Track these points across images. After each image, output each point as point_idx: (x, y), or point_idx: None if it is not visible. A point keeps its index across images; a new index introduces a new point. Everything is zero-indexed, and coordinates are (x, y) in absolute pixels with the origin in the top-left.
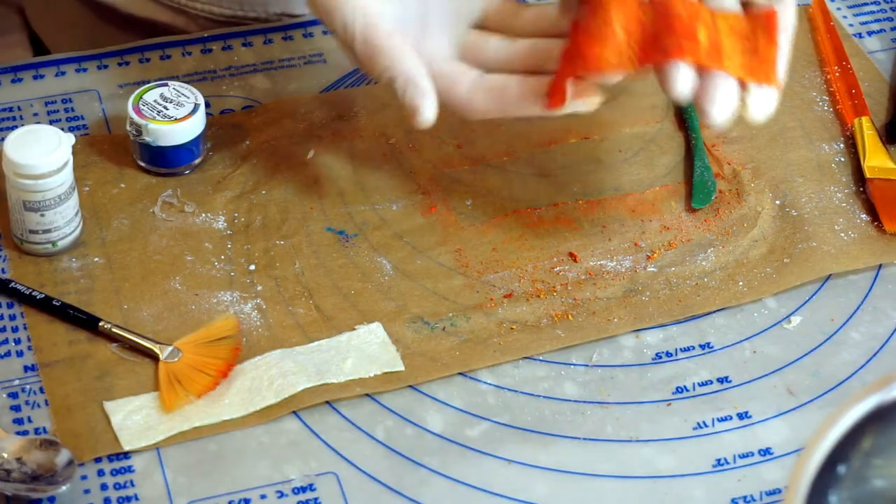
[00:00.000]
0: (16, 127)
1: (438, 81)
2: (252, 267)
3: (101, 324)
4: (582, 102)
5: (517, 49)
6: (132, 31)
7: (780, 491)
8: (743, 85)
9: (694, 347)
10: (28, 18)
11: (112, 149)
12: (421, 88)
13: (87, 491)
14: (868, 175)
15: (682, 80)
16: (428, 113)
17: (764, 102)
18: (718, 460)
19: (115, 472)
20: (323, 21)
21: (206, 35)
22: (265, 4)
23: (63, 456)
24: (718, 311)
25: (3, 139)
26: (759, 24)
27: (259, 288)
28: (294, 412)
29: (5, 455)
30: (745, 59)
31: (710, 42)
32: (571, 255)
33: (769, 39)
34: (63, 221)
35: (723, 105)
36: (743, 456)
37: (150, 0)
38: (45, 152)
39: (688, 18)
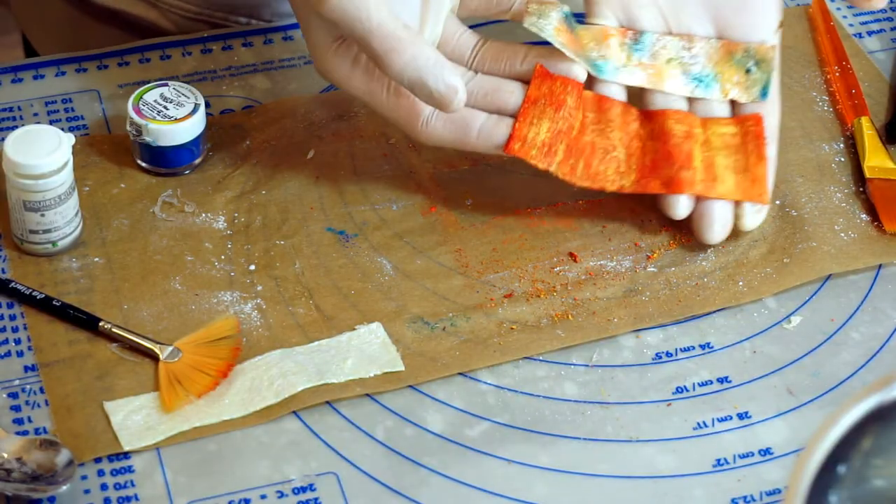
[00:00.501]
0: (16, 127)
1: (402, 99)
2: (252, 267)
3: (101, 324)
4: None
5: (481, 84)
6: (109, 24)
7: (780, 491)
8: (737, 202)
9: (694, 347)
10: (14, 14)
11: (112, 149)
12: (450, 68)
13: (87, 491)
14: (868, 175)
15: (682, 208)
16: (463, 93)
17: (758, 216)
18: (718, 460)
19: (115, 472)
20: (316, 34)
21: (206, 35)
22: (232, 7)
23: (63, 456)
24: (718, 311)
25: (3, 139)
26: (748, 132)
27: (259, 288)
28: (294, 412)
29: (5, 455)
30: (737, 178)
31: (705, 166)
32: (571, 255)
33: (758, 155)
34: (63, 221)
35: (719, 230)
36: (743, 456)
37: None
38: (45, 152)
39: (683, 139)
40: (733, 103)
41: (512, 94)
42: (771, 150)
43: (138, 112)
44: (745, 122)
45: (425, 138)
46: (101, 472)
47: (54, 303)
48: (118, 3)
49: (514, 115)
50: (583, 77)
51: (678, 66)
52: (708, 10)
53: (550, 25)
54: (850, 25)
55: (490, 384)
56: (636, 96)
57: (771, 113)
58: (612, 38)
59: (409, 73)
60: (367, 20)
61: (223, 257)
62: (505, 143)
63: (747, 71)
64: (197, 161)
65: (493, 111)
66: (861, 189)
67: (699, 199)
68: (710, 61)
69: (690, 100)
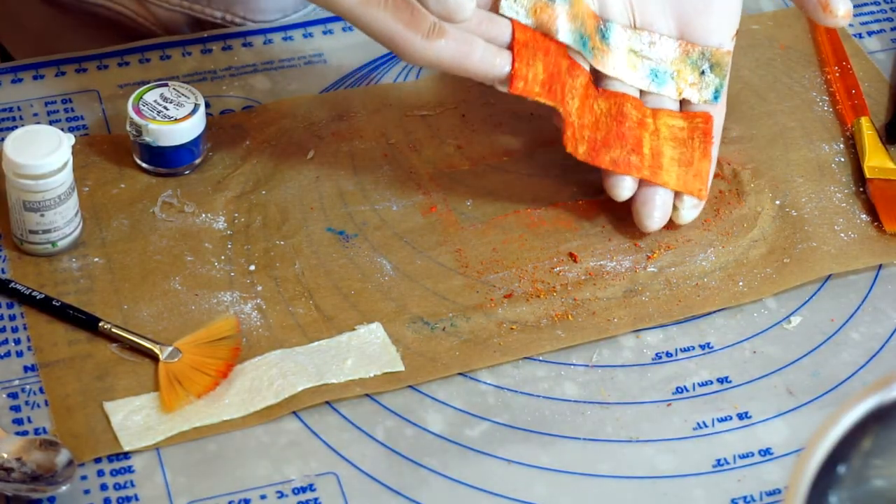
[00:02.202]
0: (16, 127)
1: (400, 12)
2: (252, 267)
3: (101, 324)
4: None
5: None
6: (89, 22)
7: (780, 491)
8: (677, 194)
9: (694, 347)
10: None
11: (112, 149)
12: None
13: (87, 491)
14: (868, 175)
15: (626, 189)
16: (473, 1)
17: (694, 210)
18: (718, 460)
19: (115, 473)
20: None
21: (206, 35)
22: (208, 1)
23: (63, 456)
24: (718, 311)
25: (3, 139)
26: (696, 128)
27: (259, 288)
28: (294, 412)
29: (5, 455)
30: (680, 171)
31: (653, 153)
32: (571, 255)
33: (704, 152)
34: (63, 221)
35: (658, 217)
36: (743, 456)
37: None
38: (45, 152)
39: (636, 125)
40: (682, 102)
41: (504, 28)
42: (714, 150)
43: (138, 112)
44: (693, 119)
45: (422, 55)
46: (100, 473)
47: (54, 303)
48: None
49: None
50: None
51: (638, 58)
52: (672, 8)
53: (528, 3)
54: (851, 25)
55: (490, 384)
56: (594, 78)
57: (717, 115)
58: (593, 21)
59: None
60: None
61: (223, 257)
62: (506, 77)
63: (702, 73)
64: (197, 161)
65: (488, 41)
66: (861, 189)
67: (642, 185)
68: (667, 59)
69: (643, 92)
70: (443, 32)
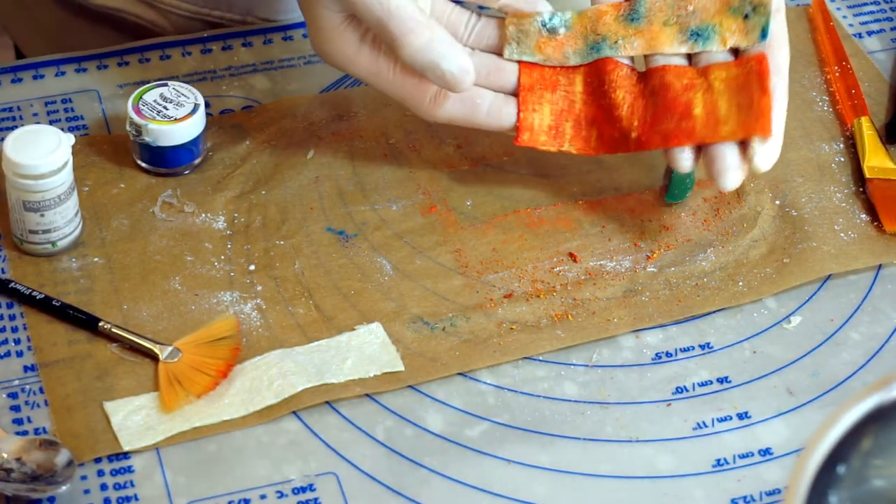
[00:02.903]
0: (16, 127)
1: (397, 85)
2: (252, 267)
3: (100, 324)
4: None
5: (481, 62)
6: (102, 27)
7: (780, 491)
8: (745, 141)
9: (694, 347)
10: (1, 19)
11: (112, 149)
12: (461, 50)
13: (86, 491)
14: (868, 175)
15: (686, 160)
16: (473, 74)
17: (767, 154)
18: (718, 460)
19: (114, 473)
20: (323, 13)
21: (206, 35)
22: (229, 5)
23: (63, 456)
24: (718, 311)
25: (3, 139)
26: (751, 70)
27: (259, 288)
28: (294, 412)
29: (5, 455)
30: (741, 117)
31: (707, 112)
32: (571, 255)
33: (762, 90)
34: (63, 221)
35: (731, 174)
36: (743, 456)
37: None
38: (45, 152)
39: (682, 91)
40: (735, 50)
41: (511, 74)
42: (780, 85)
43: (138, 112)
44: (748, 63)
45: (432, 116)
46: (100, 473)
47: (54, 303)
48: (115, 3)
49: (516, 94)
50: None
51: (675, 25)
52: None
53: (531, 42)
54: (850, 25)
55: (490, 384)
56: (636, 62)
57: (778, 48)
58: (606, 16)
59: (423, 56)
60: (386, 2)
61: (223, 257)
62: (513, 126)
63: (745, 17)
64: (197, 161)
65: (496, 90)
66: (861, 189)
67: (705, 147)
68: (707, 14)
69: (690, 55)
70: (448, 95)
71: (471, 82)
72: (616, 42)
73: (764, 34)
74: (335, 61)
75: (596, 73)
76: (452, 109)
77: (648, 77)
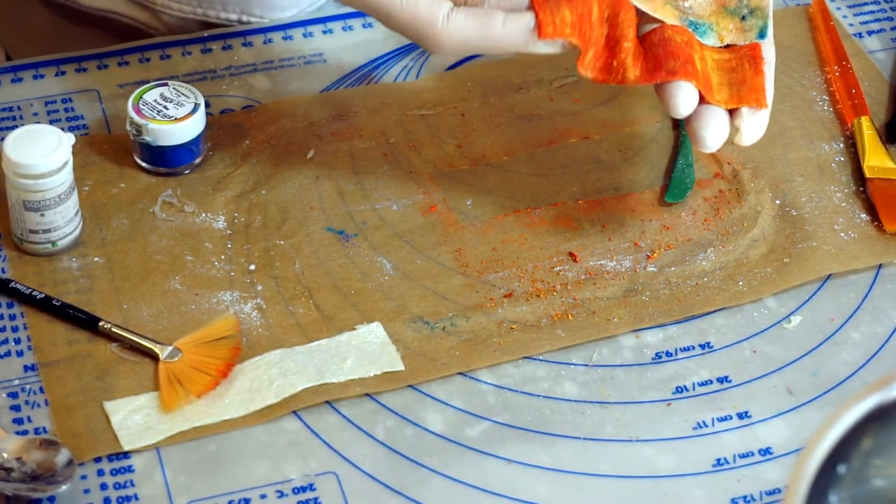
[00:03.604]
0: (16, 127)
1: (408, 8)
2: (252, 267)
3: (101, 324)
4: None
5: None
6: (95, 30)
7: (779, 491)
8: (733, 113)
9: (694, 347)
10: None
11: (112, 149)
12: None
13: (86, 491)
14: (868, 175)
15: (686, 98)
16: None
17: (754, 126)
18: (718, 460)
19: (114, 472)
20: None
21: (206, 35)
22: (224, 4)
23: (63, 456)
24: (718, 310)
25: (3, 139)
26: (744, 56)
27: (259, 288)
28: (294, 412)
29: (5, 455)
30: (732, 90)
31: (703, 73)
32: (571, 255)
33: (755, 70)
34: (63, 221)
35: (716, 131)
36: (743, 456)
37: None
38: (45, 152)
39: (684, 45)
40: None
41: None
42: (769, 73)
43: (138, 112)
44: (740, 50)
45: (446, 38)
46: (100, 472)
47: (54, 303)
48: (107, 4)
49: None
50: None
51: (674, 7)
52: None
53: None
54: (850, 25)
55: (490, 384)
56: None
57: (768, 46)
58: None
59: None
60: None
61: (223, 257)
62: (533, 31)
63: (742, 18)
64: (197, 161)
65: (508, 10)
66: (861, 189)
67: (696, 105)
68: (702, 12)
69: None
70: (461, 13)
71: None
72: None
73: (762, 34)
74: None
75: (609, 4)
76: (467, 26)
77: (647, 37)
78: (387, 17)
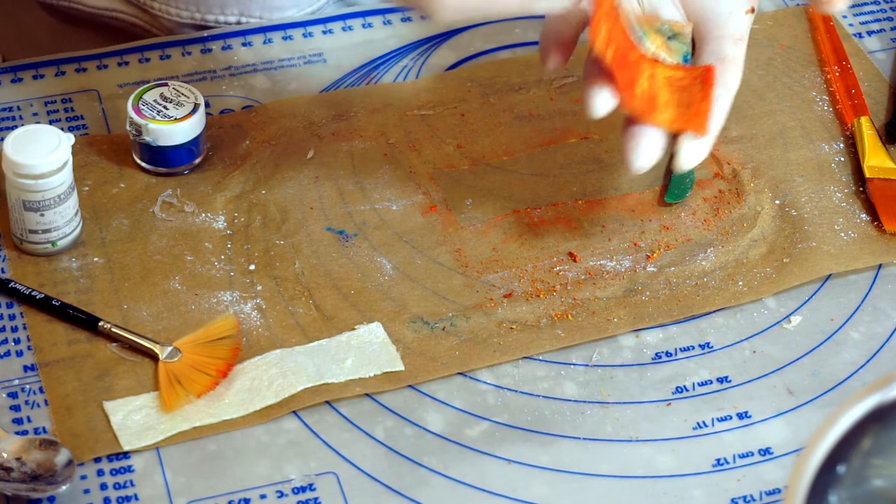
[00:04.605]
0: (16, 127)
1: None
2: (252, 267)
3: (100, 324)
4: None
5: None
6: (95, 33)
7: (779, 491)
8: (675, 135)
9: (694, 347)
10: None
11: (112, 149)
12: None
13: (86, 491)
14: (868, 175)
15: (600, 106)
16: None
17: (693, 153)
18: (718, 460)
19: (114, 472)
20: None
21: (206, 35)
22: (222, 7)
23: (63, 456)
24: (718, 311)
25: (3, 139)
26: (697, 77)
27: (259, 288)
28: (294, 412)
29: (5, 455)
30: (677, 111)
31: (647, 97)
32: (571, 255)
33: (704, 94)
34: (63, 221)
35: (645, 152)
36: (743, 456)
37: None
38: (45, 152)
39: (635, 63)
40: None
41: None
42: (724, 98)
43: (138, 112)
44: (694, 70)
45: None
46: (100, 472)
47: (54, 303)
48: (109, 3)
49: None
50: None
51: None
52: None
53: None
54: (850, 25)
55: (490, 384)
56: None
57: (731, 69)
58: None
59: None
60: None
61: (223, 257)
62: None
63: (668, 38)
64: (197, 161)
65: None
66: (861, 189)
67: (632, 123)
68: (640, 19)
69: None
70: None
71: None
72: None
73: (685, 59)
74: None
75: None
76: None
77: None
78: None
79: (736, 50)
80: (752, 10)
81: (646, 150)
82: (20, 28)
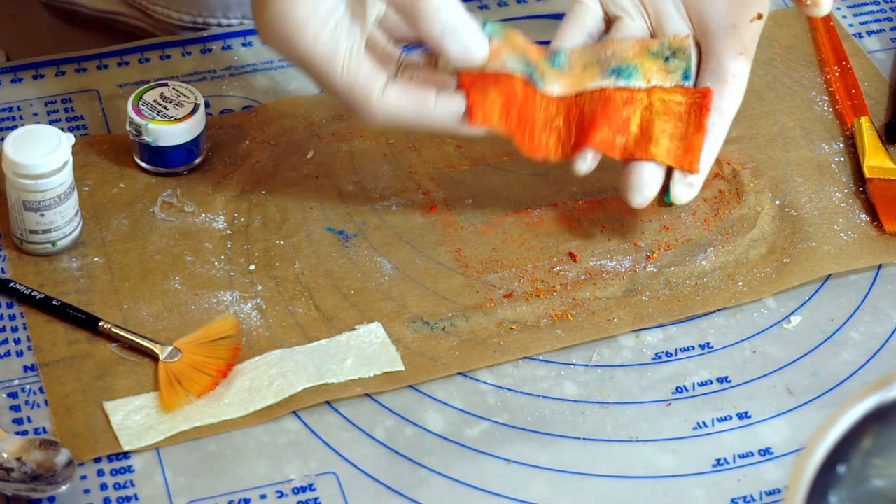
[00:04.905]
0: (16, 127)
1: (347, 77)
2: (252, 267)
3: (100, 324)
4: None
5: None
6: (97, 34)
7: (779, 491)
8: (669, 169)
9: (694, 347)
10: None
11: (112, 149)
12: (474, 25)
13: (86, 491)
14: (868, 175)
15: (585, 164)
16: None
17: (686, 188)
18: (718, 460)
19: (114, 472)
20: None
21: (206, 35)
22: (225, 9)
23: (63, 456)
24: (718, 311)
25: (3, 139)
26: (694, 103)
27: (259, 288)
28: (294, 412)
29: (5, 455)
30: (672, 144)
31: (642, 129)
32: (571, 255)
33: (698, 126)
34: (63, 221)
35: (644, 192)
36: (743, 456)
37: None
38: (45, 152)
39: (623, 104)
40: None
41: (450, 78)
42: (720, 125)
43: (138, 112)
44: (693, 94)
45: (379, 110)
46: (100, 472)
47: (54, 303)
48: (110, 6)
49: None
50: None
51: (595, 67)
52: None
53: None
54: (850, 25)
55: (490, 384)
56: None
57: (732, 90)
58: (532, 49)
59: (447, 18)
60: None
61: (223, 257)
62: (466, 112)
63: (666, 59)
64: (197, 161)
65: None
66: (861, 189)
67: (631, 161)
68: (626, 56)
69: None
70: (395, 88)
71: (486, 50)
72: (543, 75)
73: (686, 76)
74: (288, 44)
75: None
76: (401, 102)
77: (590, 95)
78: (325, 79)
79: (736, 66)
80: (760, 17)
81: (644, 186)
82: (23, 27)
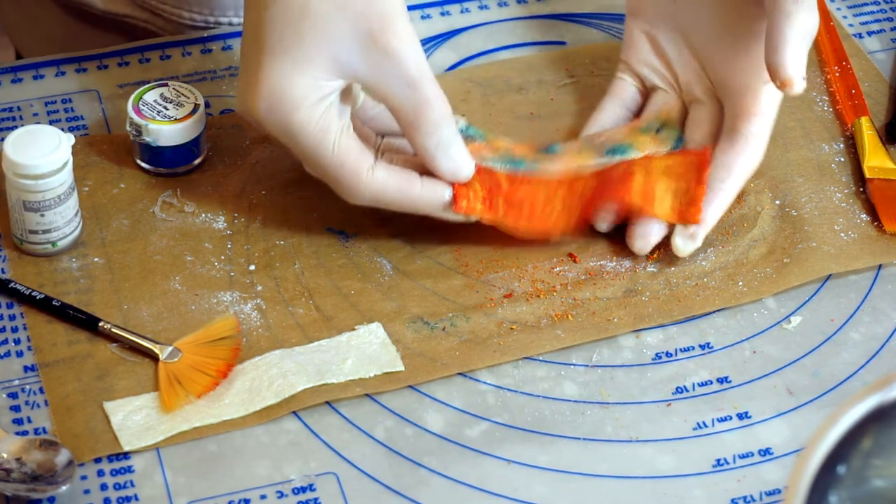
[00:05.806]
0: (16, 127)
1: (338, 154)
2: (252, 267)
3: (100, 324)
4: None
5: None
6: (108, 31)
7: (779, 491)
8: (671, 223)
9: (694, 347)
10: (3, 23)
11: (112, 149)
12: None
13: (86, 491)
14: (868, 175)
15: (604, 223)
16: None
17: (687, 241)
18: (718, 460)
19: (114, 473)
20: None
21: (206, 35)
22: (236, 9)
23: (63, 456)
24: (718, 311)
25: (3, 139)
26: (691, 164)
27: (259, 288)
28: (294, 412)
29: (5, 455)
30: (675, 202)
31: (644, 194)
32: (571, 255)
33: (699, 181)
34: (63, 221)
35: (648, 239)
36: (743, 456)
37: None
38: (45, 152)
39: (624, 168)
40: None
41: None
42: (729, 183)
43: (138, 112)
44: (690, 154)
45: (367, 189)
46: (100, 473)
47: (54, 303)
48: (121, 8)
49: None
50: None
51: (591, 151)
52: (706, 68)
53: None
54: (850, 25)
55: (490, 384)
56: None
57: (743, 150)
58: (516, 147)
59: (444, 135)
60: (424, 66)
61: (223, 257)
62: (450, 201)
63: (657, 131)
64: (197, 161)
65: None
66: (861, 189)
67: (636, 216)
68: (618, 138)
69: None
70: (383, 169)
71: (473, 168)
72: (534, 161)
73: (678, 144)
74: (276, 112)
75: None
76: (388, 183)
77: (584, 170)
78: (313, 158)
79: (751, 127)
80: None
81: (649, 235)
82: (35, 24)
